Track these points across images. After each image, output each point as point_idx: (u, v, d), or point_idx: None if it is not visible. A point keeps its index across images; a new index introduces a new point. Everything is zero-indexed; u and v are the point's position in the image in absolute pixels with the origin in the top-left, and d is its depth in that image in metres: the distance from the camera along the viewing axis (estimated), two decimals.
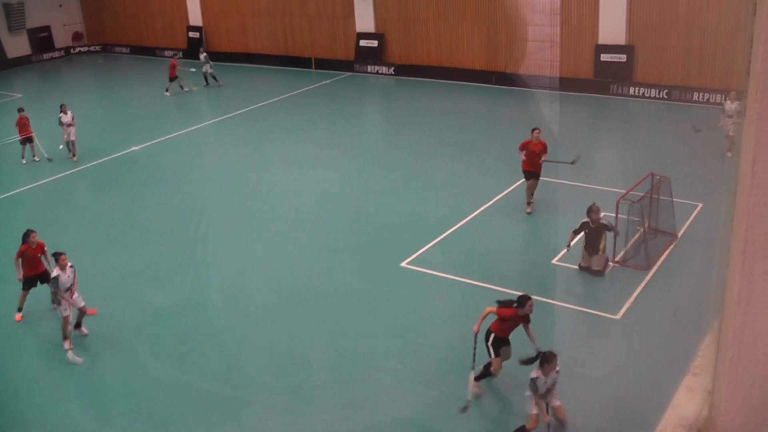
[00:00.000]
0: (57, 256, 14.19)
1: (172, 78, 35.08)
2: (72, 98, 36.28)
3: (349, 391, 12.84)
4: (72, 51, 48.78)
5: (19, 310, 15.64)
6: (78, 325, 14.77)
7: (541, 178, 19.05)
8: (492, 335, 12.27)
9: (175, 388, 13.12)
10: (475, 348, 12.24)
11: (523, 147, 18.98)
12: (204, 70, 36.27)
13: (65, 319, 14.20)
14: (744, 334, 2.24)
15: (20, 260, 15.33)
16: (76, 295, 14.41)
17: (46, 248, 15.48)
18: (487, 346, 12.32)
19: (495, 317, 12.26)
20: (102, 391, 13.24)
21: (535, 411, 11.16)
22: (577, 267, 16.36)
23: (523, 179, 19.49)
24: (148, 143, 27.66)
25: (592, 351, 13.54)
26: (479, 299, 15.38)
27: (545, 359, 11.08)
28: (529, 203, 19.40)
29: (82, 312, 14.63)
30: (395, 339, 14.24)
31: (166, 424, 12.26)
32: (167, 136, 28.37)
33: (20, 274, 15.41)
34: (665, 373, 12.16)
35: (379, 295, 15.96)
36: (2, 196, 23.08)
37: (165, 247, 18.80)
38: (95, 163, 25.76)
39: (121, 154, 26.65)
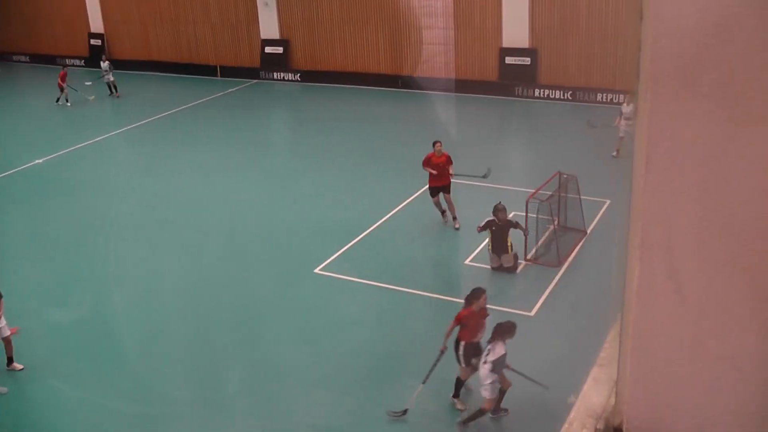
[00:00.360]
0: None
1: (63, 88, 33.85)
2: None
3: (264, 400, 12.76)
4: None
5: None
6: (10, 361, 13.75)
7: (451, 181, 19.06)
8: (462, 343, 11.98)
9: (85, 409, 12.77)
10: (435, 364, 12.04)
11: (426, 162, 18.53)
12: (107, 79, 35.15)
13: None
14: (643, 326, 2.33)
15: None
16: (3, 323, 13.54)
17: None
18: (458, 356, 12.08)
19: (458, 328, 11.93)
20: (10, 417, 12.79)
21: (496, 394, 11.34)
22: (489, 267, 16.61)
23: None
24: (51, 156, 26.88)
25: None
26: (393, 303, 15.49)
27: (507, 330, 11.15)
28: (443, 212, 18.92)
29: (8, 343, 13.66)
30: (309, 346, 14.21)
31: None
32: (71, 148, 27.64)
33: None
34: (577, 366, 12.42)
35: (293, 303, 15.90)
36: None
37: (71, 263, 18.32)
38: None
39: (23, 167, 25.85)
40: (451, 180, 18.58)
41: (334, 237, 18.61)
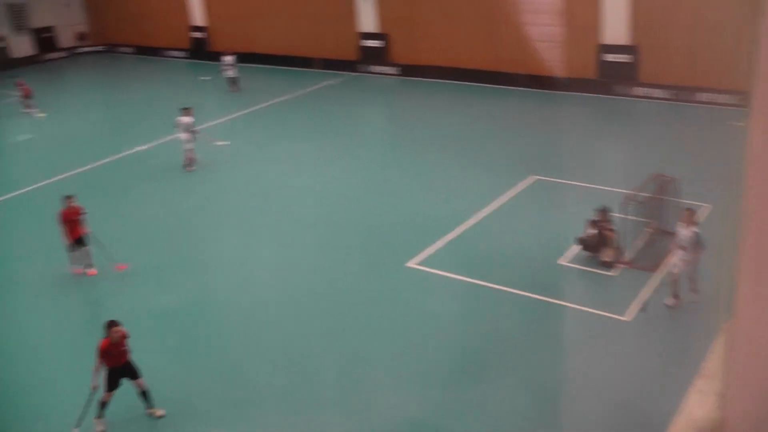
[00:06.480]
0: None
1: (27, 97, 33.77)
2: (76, 99, 36.40)
3: (354, 391, 12.82)
4: (76, 51, 48.84)
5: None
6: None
7: (545, 178, 18.83)
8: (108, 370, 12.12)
9: (180, 387, 13.09)
10: (89, 402, 12.23)
11: None
12: (226, 74, 35.60)
13: None
14: (753, 336, 2.22)
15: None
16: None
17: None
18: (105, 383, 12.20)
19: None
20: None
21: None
22: (583, 268, 16.37)
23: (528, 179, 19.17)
24: (154, 143, 27.68)
25: (600, 352, 13.47)
26: (485, 299, 15.37)
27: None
28: None
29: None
30: (399, 339, 14.21)
31: (173, 422, 12.25)
32: (173, 136, 28.31)
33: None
34: (673, 376, 12.14)
35: (385, 295, 15.93)
36: (2, 198, 23.24)
37: (171, 248, 18.79)
38: (101, 163, 25.78)
39: (127, 153, 26.67)
40: None
41: (427, 231, 18.59)
